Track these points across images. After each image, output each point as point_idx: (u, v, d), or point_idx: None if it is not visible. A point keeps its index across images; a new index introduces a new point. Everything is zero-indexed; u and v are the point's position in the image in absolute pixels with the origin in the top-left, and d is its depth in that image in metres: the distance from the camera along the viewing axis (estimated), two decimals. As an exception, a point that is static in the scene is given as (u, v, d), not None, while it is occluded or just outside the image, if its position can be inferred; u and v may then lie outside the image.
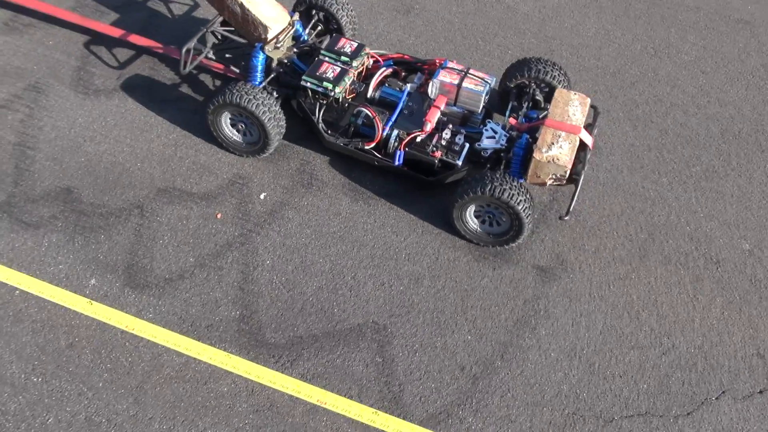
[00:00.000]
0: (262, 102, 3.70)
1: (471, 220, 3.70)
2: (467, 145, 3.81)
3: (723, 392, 3.32)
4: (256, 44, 3.96)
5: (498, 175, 3.49)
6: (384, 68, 4.11)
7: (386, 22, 5.03)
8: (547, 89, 4.11)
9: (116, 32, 4.39)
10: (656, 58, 5.03)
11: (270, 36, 3.95)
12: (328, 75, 3.84)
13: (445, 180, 3.82)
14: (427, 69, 4.16)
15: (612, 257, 3.80)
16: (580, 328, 3.49)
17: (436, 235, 3.79)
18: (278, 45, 3.97)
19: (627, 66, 4.94)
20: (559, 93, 3.84)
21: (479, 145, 3.78)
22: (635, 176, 4.22)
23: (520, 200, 3.43)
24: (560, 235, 3.87)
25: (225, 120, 3.88)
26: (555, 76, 4.03)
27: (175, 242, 3.60)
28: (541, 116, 3.85)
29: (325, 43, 4.07)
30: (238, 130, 3.94)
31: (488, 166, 3.79)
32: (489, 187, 3.43)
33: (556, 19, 5.24)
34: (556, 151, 3.53)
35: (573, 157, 3.55)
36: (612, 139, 4.43)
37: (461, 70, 3.98)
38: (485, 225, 3.71)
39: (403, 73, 4.21)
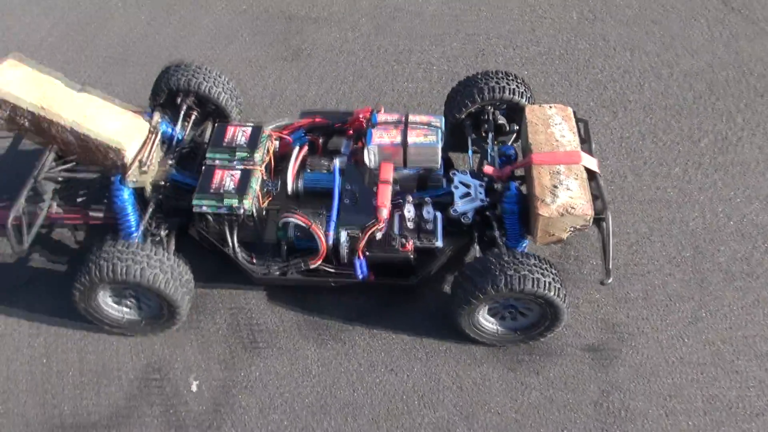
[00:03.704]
0: (148, 263, 2.51)
1: (487, 322, 2.68)
2: (439, 215, 2.80)
3: None
4: (113, 178, 2.77)
5: (506, 258, 2.49)
6: (297, 146, 3.02)
7: (275, 76, 3.92)
8: (504, 106, 3.15)
9: None
10: (599, 21, 4.20)
11: (129, 158, 2.77)
12: (227, 187, 2.72)
13: (430, 273, 2.79)
14: (350, 129, 3.12)
15: (667, 296, 2.90)
16: (678, 415, 2.56)
17: (445, 354, 2.75)
18: (145, 167, 2.80)
19: (572, 41, 4.07)
20: (531, 112, 2.89)
21: (455, 211, 2.78)
22: (644, 177, 3.35)
23: (548, 282, 2.44)
24: (594, 290, 2.92)
25: (104, 300, 2.65)
26: (514, 89, 3.08)
27: None
28: (519, 148, 2.90)
29: (208, 139, 2.95)
30: (128, 306, 2.73)
31: (476, 234, 2.80)
32: (503, 281, 2.42)
33: (469, 12, 4.30)
34: (564, 197, 2.57)
35: (590, 197, 2.60)
36: (594, 137, 3.50)
37: (398, 121, 2.96)
38: (507, 321, 2.70)
39: (321, 140, 3.15)
